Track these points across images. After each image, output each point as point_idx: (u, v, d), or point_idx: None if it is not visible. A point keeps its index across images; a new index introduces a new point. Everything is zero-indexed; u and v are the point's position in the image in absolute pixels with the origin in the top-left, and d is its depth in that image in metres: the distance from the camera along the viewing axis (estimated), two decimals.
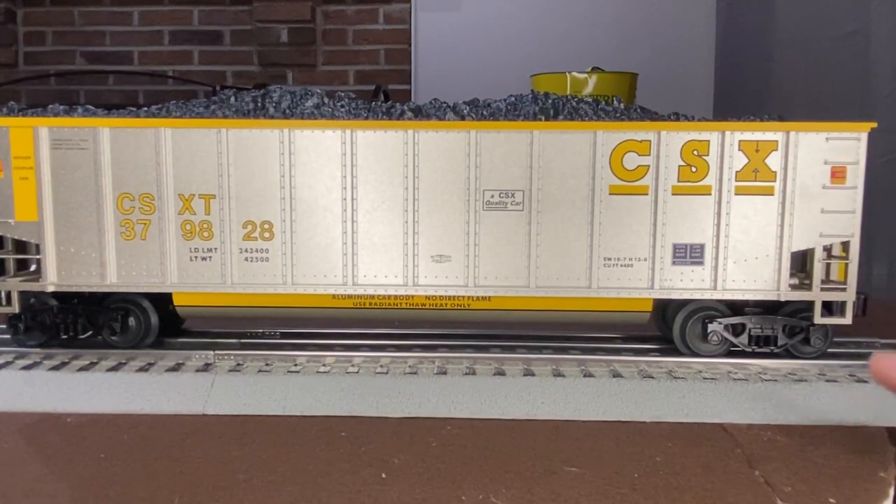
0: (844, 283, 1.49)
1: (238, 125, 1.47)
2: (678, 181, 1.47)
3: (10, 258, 1.56)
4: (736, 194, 1.47)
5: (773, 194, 1.46)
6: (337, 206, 1.49)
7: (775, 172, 1.46)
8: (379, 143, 1.47)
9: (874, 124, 1.45)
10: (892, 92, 2.12)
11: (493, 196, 1.48)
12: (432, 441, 1.25)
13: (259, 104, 1.52)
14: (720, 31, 3.13)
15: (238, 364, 1.53)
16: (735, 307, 1.57)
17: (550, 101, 1.52)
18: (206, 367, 1.51)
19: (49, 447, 1.21)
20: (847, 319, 1.50)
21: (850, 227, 1.46)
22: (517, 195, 1.47)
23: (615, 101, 1.56)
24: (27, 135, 1.47)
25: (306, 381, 1.42)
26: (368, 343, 1.69)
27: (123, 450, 1.20)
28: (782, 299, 1.49)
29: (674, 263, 1.49)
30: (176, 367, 1.50)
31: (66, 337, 1.58)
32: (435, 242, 1.49)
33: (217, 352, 1.56)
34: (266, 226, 1.50)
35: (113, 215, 1.49)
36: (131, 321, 1.60)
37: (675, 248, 1.49)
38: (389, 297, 1.53)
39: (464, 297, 1.52)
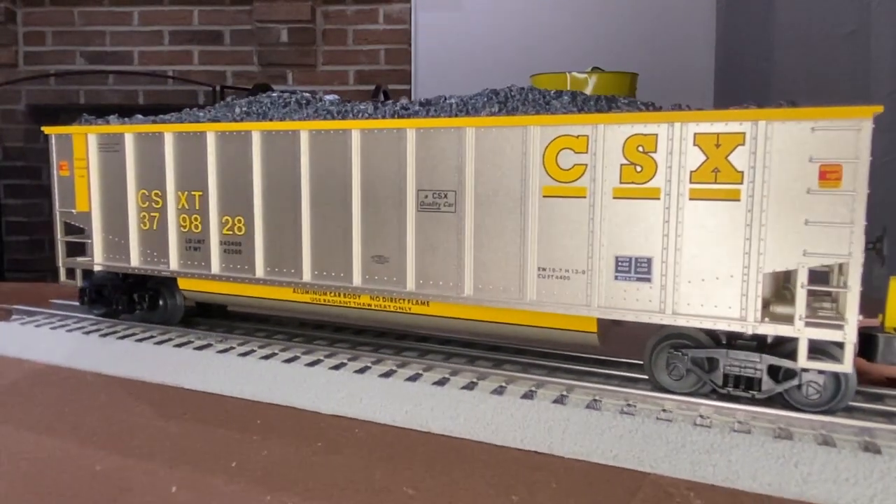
0: (841, 318, 1.13)
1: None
2: (620, 183, 1.25)
3: (89, 242, 1.90)
4: (690, 199, 1.20)
5: (738, 199, 1.17)
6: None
7: (742, 173, 1.16)
8: (322, 141, 1.50)
9: (879, 108, 1.08)
10: (893, 92, 2.01)
11: (426, 197, 1.41)
12: None
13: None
14: (720, 31, 3.09)
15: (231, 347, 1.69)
16: (716, 337, 1.29)
17: (501, 95, 1.40)
18: (203, 347, 1.70)
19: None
20: (845, 366, 1.14)
21: (846, 244, 1.11)
22: (450, 196, 1.39)
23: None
24: (82, 140, 1.78)
25: None
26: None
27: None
28: (749, 332, 1.19)
29: (616, 278, 1.27)
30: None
31: (117, 308, 1.88)
32: (372, 243, 1.47)
33: (217, 333, 1.74)
34: (238, 221, 1.62)
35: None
36: (160, 301, 1.84)
37: (618, 260, 1.27)
38: (339, 295, 1.55)
39: (404, 300, 1.48)
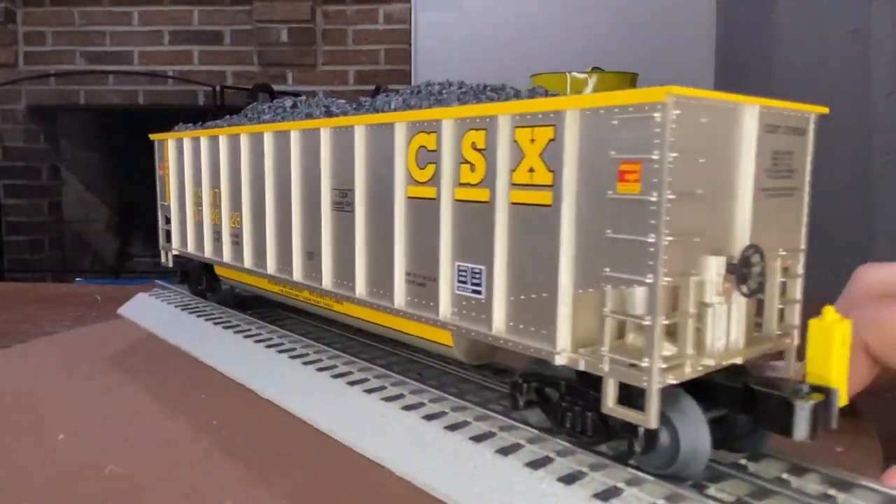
0: (642, 358, 0.88)
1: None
2: (459, 184, 1.12)
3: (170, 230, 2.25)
4: (512, 203, 1.03)
5: (549, 204, 0.98)
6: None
7: (553, 172, 0.97)
8: (279, 143, 1.59)
9: (680, 89, 0.81)
10: (893, 92, 2.21)
11: (336, 195, 1.42)
12: None
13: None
14: (720, 31, 3.13)
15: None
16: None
17: (416, 89, 1.34)
18: (229, 328, 1.92)
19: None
20: (649, 420, 0.88)
21: (643, 265, 0.86)
22: (349, 195, 1.38)
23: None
24: (167, 145, 2.13)
25: None
26: None
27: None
28: (555, 362, 0.98)
29: (458, 289, 1.14)
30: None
31: (197, 289, 2.20)
32: (306, 239, 1.52)
33: (246, 315, 1.95)
34: (237, 216, 1.79)
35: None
36: (216, 285, 2.10)
37: (458, 269, 1.14)
38: (291, 288, 1.62)
39: (328, 297, 1.50)
